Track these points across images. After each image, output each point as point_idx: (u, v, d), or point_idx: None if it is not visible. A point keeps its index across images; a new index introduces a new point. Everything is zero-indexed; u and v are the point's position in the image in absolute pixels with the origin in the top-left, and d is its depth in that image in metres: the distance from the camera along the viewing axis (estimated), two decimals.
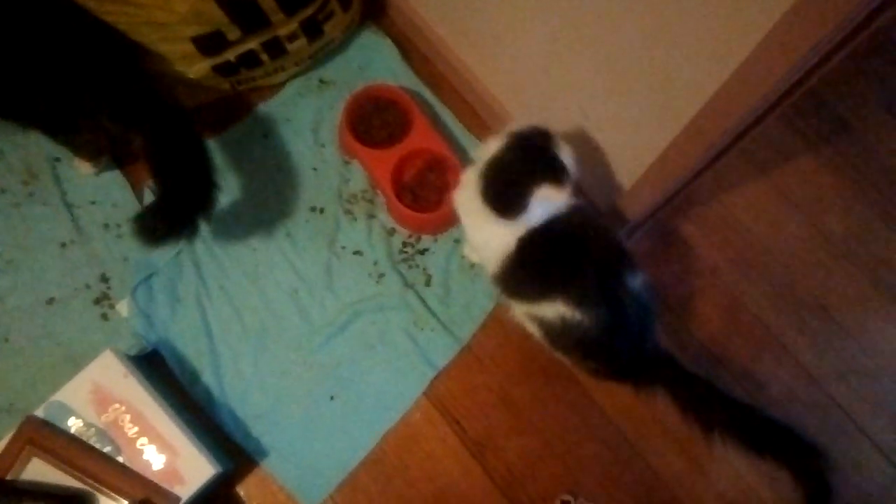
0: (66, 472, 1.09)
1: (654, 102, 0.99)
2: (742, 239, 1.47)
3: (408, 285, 1.38)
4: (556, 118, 1.29)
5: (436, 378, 1.33)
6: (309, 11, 1.32)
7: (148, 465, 1.12)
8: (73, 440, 1.12)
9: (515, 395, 1.34)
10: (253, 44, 1.30)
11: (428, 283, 1.39)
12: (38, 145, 1.41)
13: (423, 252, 1.42)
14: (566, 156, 1.07)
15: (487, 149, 1.10)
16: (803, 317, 1.43)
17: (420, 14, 1.48)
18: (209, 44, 1.25)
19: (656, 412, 1.29)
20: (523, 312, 1.20)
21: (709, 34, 0.79)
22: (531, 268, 1.13)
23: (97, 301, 1.34)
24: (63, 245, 1.36)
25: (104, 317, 1.33)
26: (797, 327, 1.41)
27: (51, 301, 1.32)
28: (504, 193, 1.09)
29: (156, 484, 1.10)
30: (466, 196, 1.16)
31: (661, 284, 1.43)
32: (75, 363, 1.21)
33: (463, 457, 1.29)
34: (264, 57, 1.35)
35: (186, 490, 1.11)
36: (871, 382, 1.38)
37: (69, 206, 1.38)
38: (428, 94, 1.53)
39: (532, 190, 1.05)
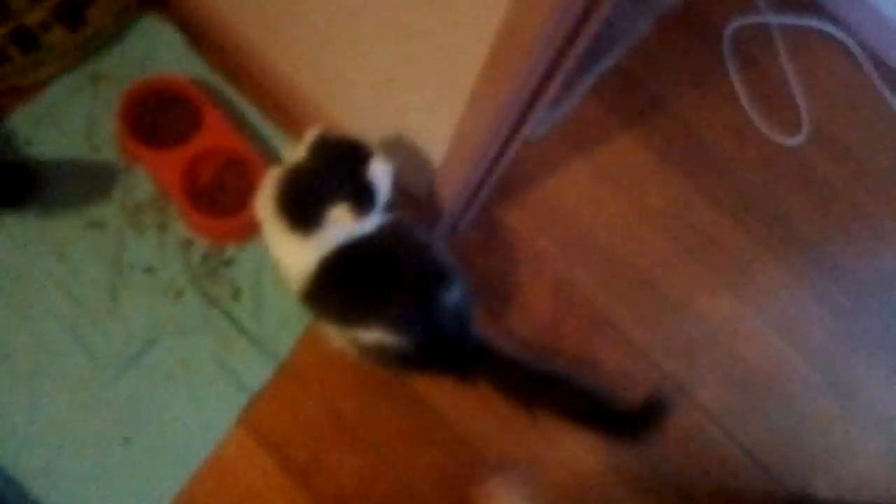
0: None
1: (435, 80, 0.92)
2: (566, 221, 1.45)
3: (211, 302, 1.23)
4: (360, 104, 1.19)
5: (250, 403, 1.19)
6: None
7: None
8: None
9: (344, 409, 1.23)
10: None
11: (236, 298, 1.25)
12: None
13: (228, 263, 1.27)
14: (377, 174, 0.96)
15: (293, 152, 0.98)
16: (630, 293, 1.43)
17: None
18: None
19: (487, 403, 1.23)
20: (335, 333, 1.10)
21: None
22: (337, 291, 1.03)
23: None
24: None
25: None
26: (625, 304, 1.41)
27: None
28: (297, 207, 0.98)
29: None
30: (264, 201, 1.03)
31: (490, 274, 1.38)
32: None
33: (287, 487, 1.17)
34: (13, 51, 1.15)
35: None
36: (698, 353, 1.41)
37: None
38: (225, 88, 1.37)
39: (327, 209, 0.94)
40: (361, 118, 1.21)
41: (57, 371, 1.14)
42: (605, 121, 1.56)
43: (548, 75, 0.80)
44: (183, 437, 1.15)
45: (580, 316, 1.39)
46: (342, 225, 0.95)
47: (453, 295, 1.04)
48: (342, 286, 1.02)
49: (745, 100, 1.67)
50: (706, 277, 1.48)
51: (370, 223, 0.99)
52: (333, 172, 0.95)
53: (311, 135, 0.97)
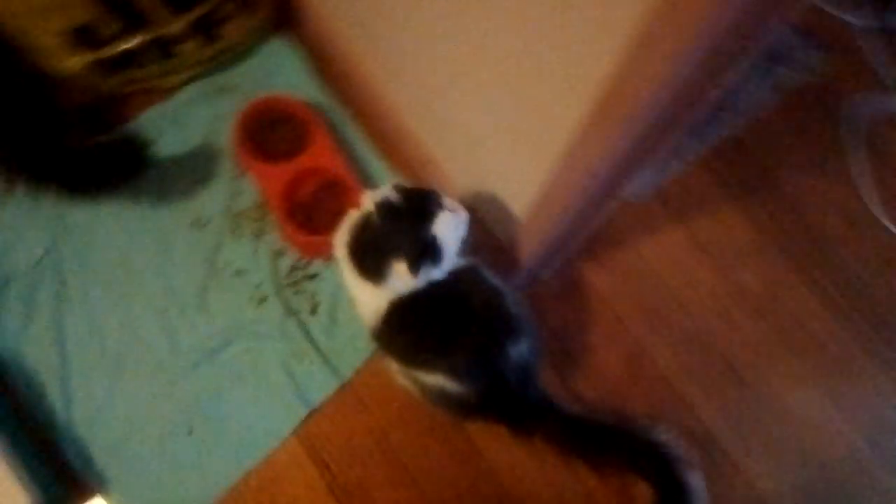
0: None
1: (529, 137, 0.92)
2: (652, 288, 1.40)
3: (291, 312, 1.28)
4: (457, 151, 1.22)
5: (309, 416, 1.22)
6: (199, 11, 1.23)
7: None
8: None
9: (395, 439, 1.24)
10: (134, 42, 1.21)
11: (313, 312, 1.29)
12: None
13: (312, 277, 1.32)
14: (444, 229, 0.97)
15: (370, 199, 0.99)
16: (709, 374, 1.35)
17: (336, 28, 1.39)
18: (81, 39, 1.15)
19: (539, 460, 1.20)
20: (400, 372, 1.11)
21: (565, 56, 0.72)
22: (405, 333, 1.03)
23: None
24: None
25: None
26: (701, 385, 1.34)
27: None
28: (364, 258, 1.00)
29: None
30: (339, 241, 1.05)
31: (563, 329, 1.35)
32: None
33: (327, 502, 1.18)
34: (151, 57, 1.26)
35: None
36: (774, 449, 1.31)
37: None
38: (338, 113, 1.44)
39: (390, 264, 0.96)
40: (457, 163, 1.24)
41: (141, 354, 1.22)
42: (708, 189, 1.51)
43: (650, 147, 0.79)
44: (241, 436, 1.20)
45: (651, 387, 1.33)
46: (405, 279, 0.95)
47: (520, 348, 1.02)
48: (410, 329, 1.02)
49: (863, 185, 1.56)
50: (796, 370, 1.38)
51: (441, 271, 0.99)
52: (397, 228, 0.96)
53: (386, 187, 0.99)
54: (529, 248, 1.13)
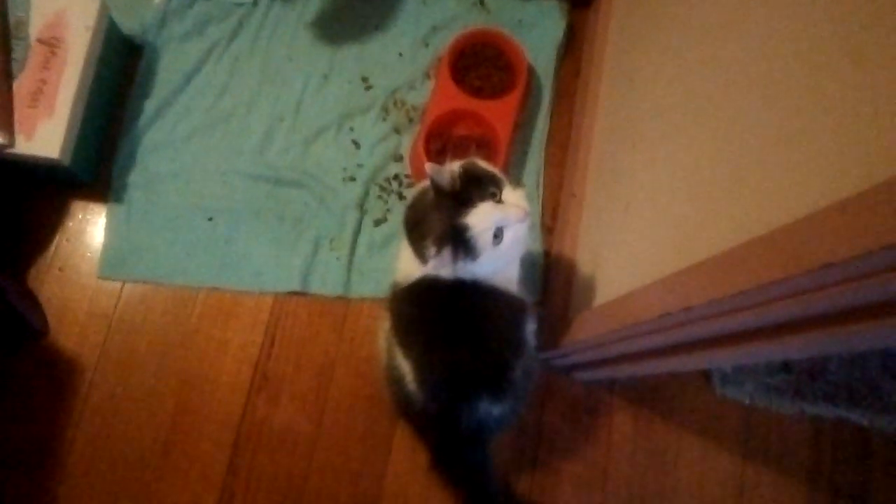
0: None
1: (666, 234, 0.78)
2: (659, 474, 1.21)
3: (360, 208, 1.24)
4: (605, 202, 1.10)
5: (296, 294, 1.19)
6: None
7: (22, 96, 1.07)
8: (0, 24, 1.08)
9: (337, 377, 1.18)
10: None
11: (377, 224, 1.25)
12: None
13: (401, 197, 1.27)
14: (483, 219, 0.82)
15: (432, 171, 0.84)
16: None
17: (610, 32, 1.31)
18: None
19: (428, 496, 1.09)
20: (386, 336, 1.01)
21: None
22: (414, 311, 0.93)
23: None
24: None
25: None
26: None
27: None
28: (412, 229, 0.90)
29: (5, 109, 1.05)
30: (407, 203, 0.97)
31: (550, 435, 1.20)
32: None
33: (244, 370, 1.15)
34: None
35: (17, 144, 1.05)
36: None
37: None
38: (547, 95, 1.37)
39: (426, 244, 0.85)
40: (592, 217, 1.12)
41: (234, 132, 1.26)
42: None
43: (761, 341, 0.63)
44: (239, 258, 1.20)
45: None
46: (438, 263, 0.84)
47: (493, 410, 0.90)
48: (421, 310, 0.91)
49: None
50: None
51: (484, 268, 0.86)
52: (442, 208, 0.84)
53: (457, 164, 0.88)
54: (578, 335, 1.00)
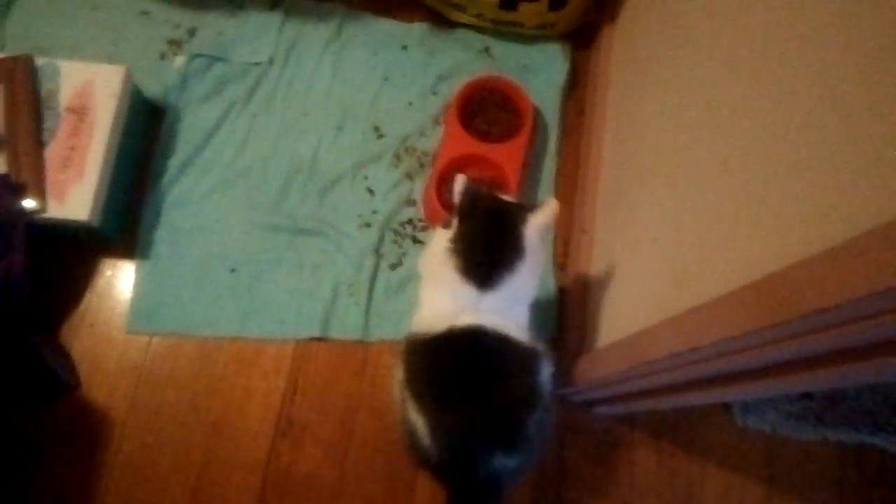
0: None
1: (681, 270, 0.80)
2: (688, 500, 1.20)
3: (377, 253, 1.28)
4: (618, 241, 1.13)
5: (317, 339, 1.22)
6: None
7: (54, 162, 1.13)
8: (33, 96, 1.15)
9: (359, 422, 1.20)
10: None
11: (393, 267, 1.29)
12: None
13: (416, 241, 1.31)
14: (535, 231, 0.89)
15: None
16: None
17: (609, 72, 1.36)
18: None
19: None
20: (398, 389, 0.97)
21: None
22: (425, 366, 0.91)
23: (170, 42, 1.38)
24: None
25: (162, 56, 1.36)
26: None
27: (145, 13, 1.38)
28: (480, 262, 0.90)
29: (38, 175, 1.10)
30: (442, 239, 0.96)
31: (573, 473, 1.20)
32: (107, 57, 1.28)
33: (268, 416, 1.18)
34: None
35: (49, 209, 1.10)
36: None
37: None
38: (553, 135, 1.41)
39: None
40: (604, 257, 1.15)
41: (253, 185, 1.31)
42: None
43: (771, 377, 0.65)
44: (262, 307, 1.23)
45: None
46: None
47: (508, 463, 0.88)
48: (436, 364, 0.90)
49: None
50: None
51: (493, 319, 0.89)
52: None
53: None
54: (591, 373, 1.01)
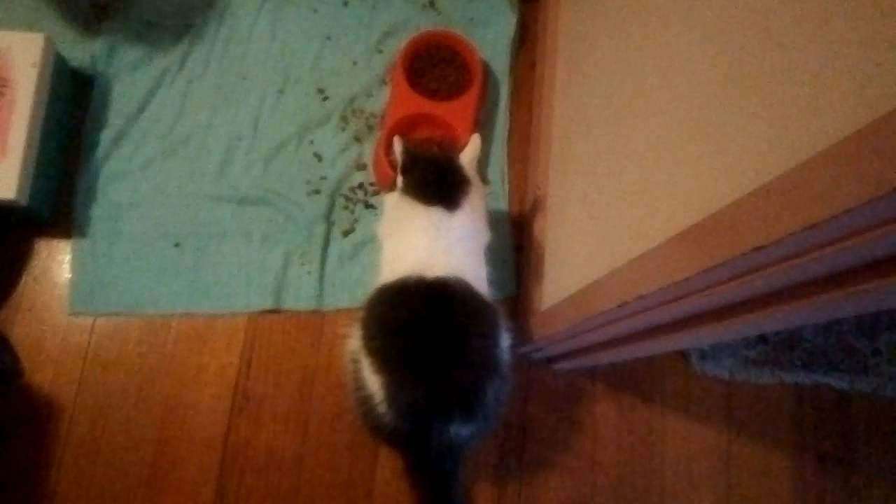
0: None
1: (629, 219, 0.78)
2: (649, 448, 1.22)
3: (327, 220, 1.24)
4: (570, 192, 1.11)
5: (270, 311, 1.19)
6: None
7: None
8: None
9: (317, 393, 1.18)
10: None
11: (345, 234, 1.25)
12: None
13: (368, 206, 1.27)
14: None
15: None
16: None
17: (557, 24, 1.32)
18: None
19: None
20: (351, 360, 0.96)
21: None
22: (387, 317, 0.90)
23: (94, 5, 1.29)
24: None
25: (86, 22, 1.28)
26: None
27: None
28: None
29: None
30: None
31: (536, 430, 1.21)
32: (27, 26, 1.20)
33: (224, 392, 1.15)
34: None
35: None
36: None
37: None
38: (504, 91, 1.37)
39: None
40: (556, 207, 1.13)
41: (194, 155, 1.25)
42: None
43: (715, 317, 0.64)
44: (209, 280, 1.19)
45: None
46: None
47: (464, 430, 0.87)
48: (398, 315, 0.89)
49: None
50: None
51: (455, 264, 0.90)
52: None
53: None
54: (548, 329, 1.00)
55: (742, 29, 0.54)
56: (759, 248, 0.45)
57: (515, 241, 1.28)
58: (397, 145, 0.98)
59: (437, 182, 0.95)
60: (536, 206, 1.23)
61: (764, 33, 0.51)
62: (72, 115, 1.23)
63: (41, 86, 1.11)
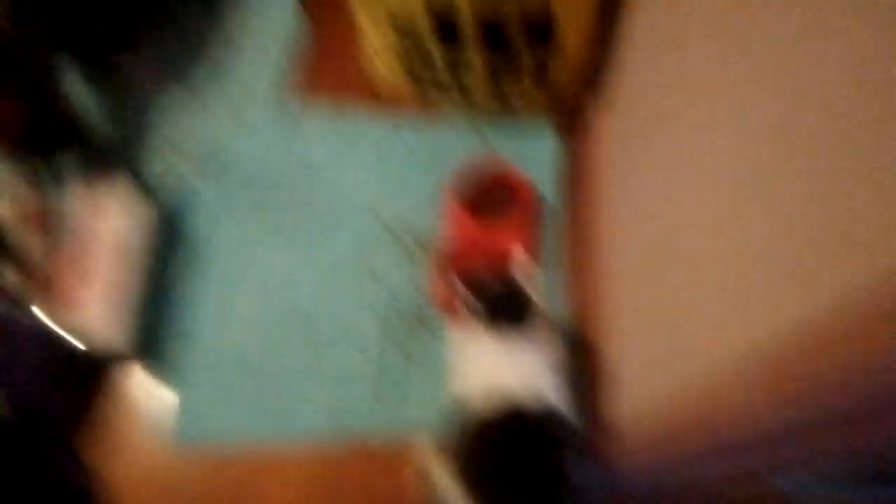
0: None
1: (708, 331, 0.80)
2: None
3: (389, 341, 1.29)
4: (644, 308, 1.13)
5: (342, 436, 1.22)
6: (499, 60, 1.29)
7: (74, 284, 1.16)
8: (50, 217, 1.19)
9: None
10: (437, 52, 1.31)
11: (407, 355, 1.29)
12: None
13: (426, 325, 1.31)
14: None
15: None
16: None
17: (603, 149, 1.38)
18: (403, 28, 1.28)
19: None
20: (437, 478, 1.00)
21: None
22: (484, 457, 0.92)
23: (181, 155, 1.44)
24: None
25: (174, 170, 1.42)
26: None
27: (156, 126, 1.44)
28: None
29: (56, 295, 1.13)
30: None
31: None
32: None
33: None
34: (440, 67, 1.35)
35: (72, 331, 1.12)
36: None
37: None
38: (553, 210, 1.43)
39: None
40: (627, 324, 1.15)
41: (266, 287, 1.33)
42: None
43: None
44: (289, 403, 1.25)
45: None
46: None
47: None
48: (501, 451, 0.92)
49: None
50: None
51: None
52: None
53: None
54: (635, 457, 0.99)
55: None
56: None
57: (577, 359, 1.29)
58: (457, 283, 1.04)
59: (503, 307, 1.01)
60: (596, 323, 1.25)
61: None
62: (161, 258, 1.33)
63: (136, 232, 1.22)
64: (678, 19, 0.94)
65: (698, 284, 0.81)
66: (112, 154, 1.40)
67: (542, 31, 1.23)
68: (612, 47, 1.30)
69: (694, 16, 0.87)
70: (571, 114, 1.49)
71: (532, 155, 1.47)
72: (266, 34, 1.57)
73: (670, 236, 0.91)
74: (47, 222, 1.19)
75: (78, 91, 1.44)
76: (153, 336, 1.28)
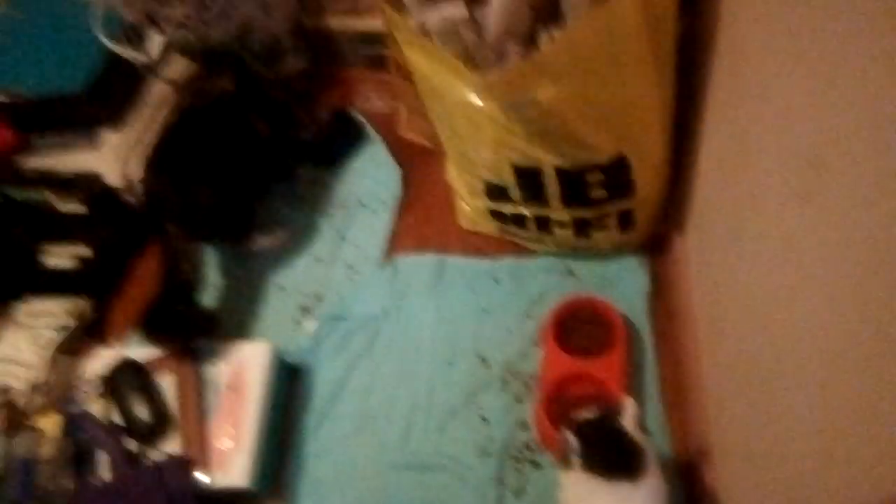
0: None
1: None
2: None
3: (499, 481, 1.34)
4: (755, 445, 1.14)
5: None
6: (584, 214, 1.43)
7: (216, 436, 1.33)
8: (198, 379, 1.39)
9: None
10: (527, 211, 1.47)
11: (517, 495, 1.33)
12: None
13: (535, 465, 1.36)
14: None
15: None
16: None
17: (690, 275, 1.45)
18: (494, 191, 1.46)
19: None
20: None
21: None
22: None
23: (302, 309, 1.64)
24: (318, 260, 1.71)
25: (296, 322, 1.62)
26: None
27: (281, 288, 1.67)
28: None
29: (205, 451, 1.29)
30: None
31: None
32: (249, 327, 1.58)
33: None
34: (531, 225, 1.51)
35: (214, 479, 1.27)
36: None
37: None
38: (648, 342, 1.48)
39: None
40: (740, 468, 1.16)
41: (378, 426, 1.45)
42: None
43: None
44: None
45: None
46: None
47: None
48: None
49: None
50: None
51: None
52: None
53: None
54: None
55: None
56: None
57: (686, 494, 1.28)
58: (567, 434, 1.07)
59: (614, 456, 1.04)
60: (700, 454, 1.26)
61: None
62: (284, 403, 1.49)
63: (267, 385, 1.39)
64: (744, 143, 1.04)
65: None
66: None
67: (620, 179, 1.37)
68: (687, 174, 1.41)
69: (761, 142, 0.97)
70: (655, 240, 1.58)
71: (622, 288, 1.56)
72: (374, 198, 1.80)
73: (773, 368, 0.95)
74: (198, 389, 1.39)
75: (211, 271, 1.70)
76: (276, 476, 1.40)
